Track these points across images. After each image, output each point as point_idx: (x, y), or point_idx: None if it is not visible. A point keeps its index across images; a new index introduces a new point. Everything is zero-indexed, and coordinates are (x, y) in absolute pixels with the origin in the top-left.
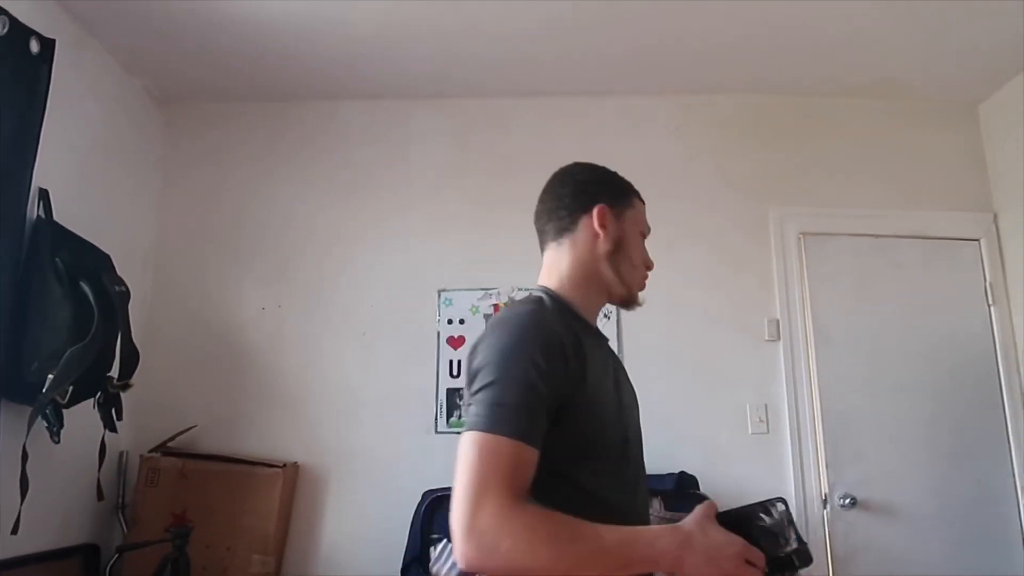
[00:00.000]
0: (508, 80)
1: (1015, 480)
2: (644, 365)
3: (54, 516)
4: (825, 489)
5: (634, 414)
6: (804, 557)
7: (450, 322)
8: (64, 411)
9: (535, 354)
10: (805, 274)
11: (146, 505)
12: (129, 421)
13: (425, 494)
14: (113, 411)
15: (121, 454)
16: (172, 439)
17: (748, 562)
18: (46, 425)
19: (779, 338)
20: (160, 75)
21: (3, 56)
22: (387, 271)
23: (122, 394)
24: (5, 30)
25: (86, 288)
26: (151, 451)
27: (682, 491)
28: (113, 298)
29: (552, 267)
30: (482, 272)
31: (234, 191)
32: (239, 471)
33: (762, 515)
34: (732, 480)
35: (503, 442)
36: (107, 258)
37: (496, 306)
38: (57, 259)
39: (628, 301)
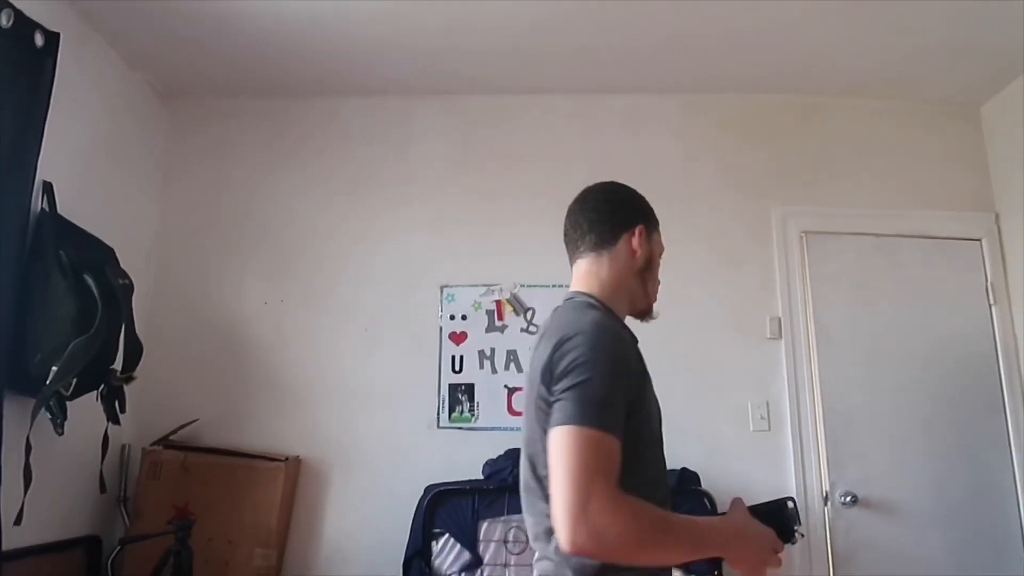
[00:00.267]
0: (510, 77)
1: (1015, 478)
2: (647, 362)
3: (57, 508)
4: (826, 486)
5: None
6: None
7: (452, 318)
8: (67, 403)
9: (618, 356)
10: (807, 273)
11: (148, 498)
12: (131, 414)
13: (427, 489)
14: (116, 404)
15: (123, 447)
16: (174, 432)
17: (774, 549)
18: (50, 417)
19: (781, 336)
20: (162, 70)
21: (8, 49)
22: (389, 267)
23: (125, 387)
24: (10, 23)
25: (90, 281)
26: (153, 444)
27: (684, 487)
28: (117, 291)
29: (591, 275)
30: (484, 268)
31: (237, 186)
32: (241, 465)
33: (785, 511)
34: (733, 477)
35: (601, 436)
36: (110, 251)
37: (499, 302)
38: (61, 252)
39: (646, 313)
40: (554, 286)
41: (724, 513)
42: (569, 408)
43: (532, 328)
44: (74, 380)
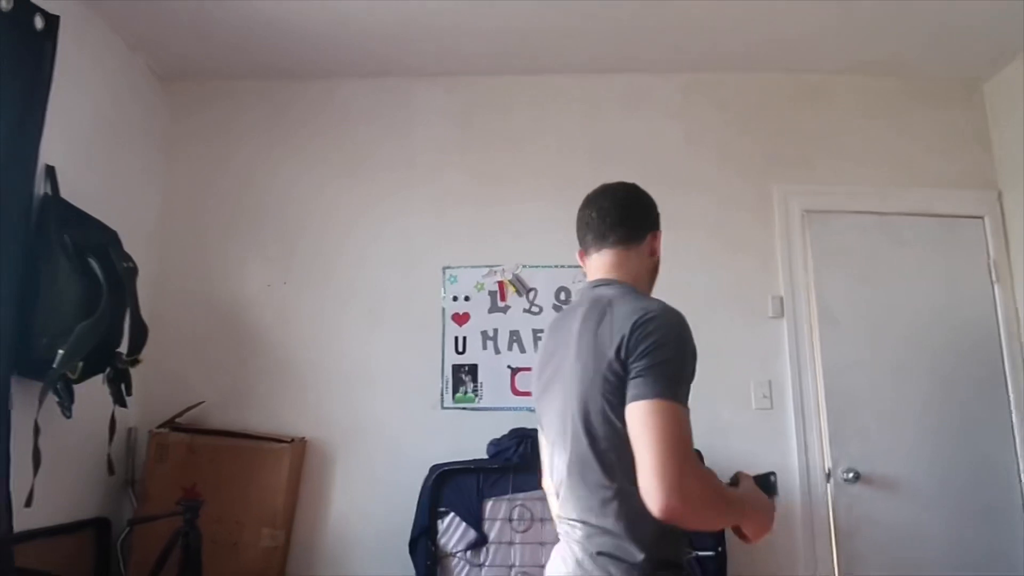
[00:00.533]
0: (510, 58)
1: (1017, 456)
2: None
3: (66, 490)
4: (828, 464)
5: None
6: None
7: (455, 299)
8: (74, 387)
9: (690, 339)
10: (809, 251)
11: (156, 480)
12: (138, 397)
13: (432, 468)
14: (123, 387)
15: (130, 430)
16: (180, 415)
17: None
18: (57, 400)
19: (783, 315)
20: (163, 52)
21: (8, 33)
22: (392, 248)
23: (131, 370)
24: (10, 6)
25: (94, 264)
26: (160, 427)
27: None
28: (121, 274)
29: (619, 267)
30: (486, 249)
31: (238, 169)
32: (247, 446)
33: (769, 483)
34: (736, 455)
35: (685, 411)
36: (114, 234)
37: (501, 283)
38: (65, 236)
39: None
40: (556, 266)
41: (734, 484)
42: (656, 383)
43: (535, 308)
44: (80, 363)
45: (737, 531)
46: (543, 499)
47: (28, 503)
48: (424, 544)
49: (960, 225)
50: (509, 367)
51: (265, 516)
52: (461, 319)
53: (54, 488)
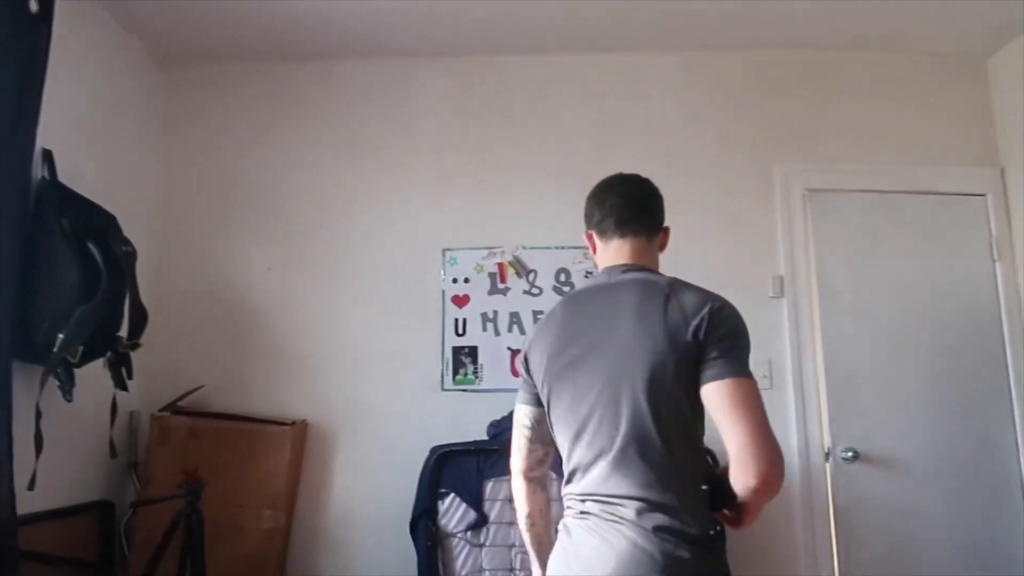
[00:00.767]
0: (509, 37)
1: (1016, 435)
2: None
3: (69, 473)
4: (828, 443)
5: None
6: None
7: (455, 281)
8: (75, 371)
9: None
10: (810, 230)
11: (158, 463)
12: (139, 381)
13: (433, 450)
14: (123, 371)
15: (132, 414)
16: (182, 398)
17: None
18: (58, 384)
19: (783, 294)
20: (159, 35)
21: (2, 15)
22: (391, 230)
23: (131, 354)
24: None
25: (93, 249)
26: (161, 410)
27: None
28: (120, 258)
29: (646, 254)
30: (486, 231)
31: (237, 152)
32: (248, 429)
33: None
34: None
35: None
36: (113, 218)
37: (501, 265)
38: (63, 220)
39: None
40: (556, 248)
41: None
42: (737, 363)
43: (535, 290)
44: (81, 347)
45: (725, 517)
46: None
47: (31, 486)
48: (425, 525)
49: (962, 203)
50: (509, 349)
51: (267, 498)
52: (461, 301)
53: (57, 471)
